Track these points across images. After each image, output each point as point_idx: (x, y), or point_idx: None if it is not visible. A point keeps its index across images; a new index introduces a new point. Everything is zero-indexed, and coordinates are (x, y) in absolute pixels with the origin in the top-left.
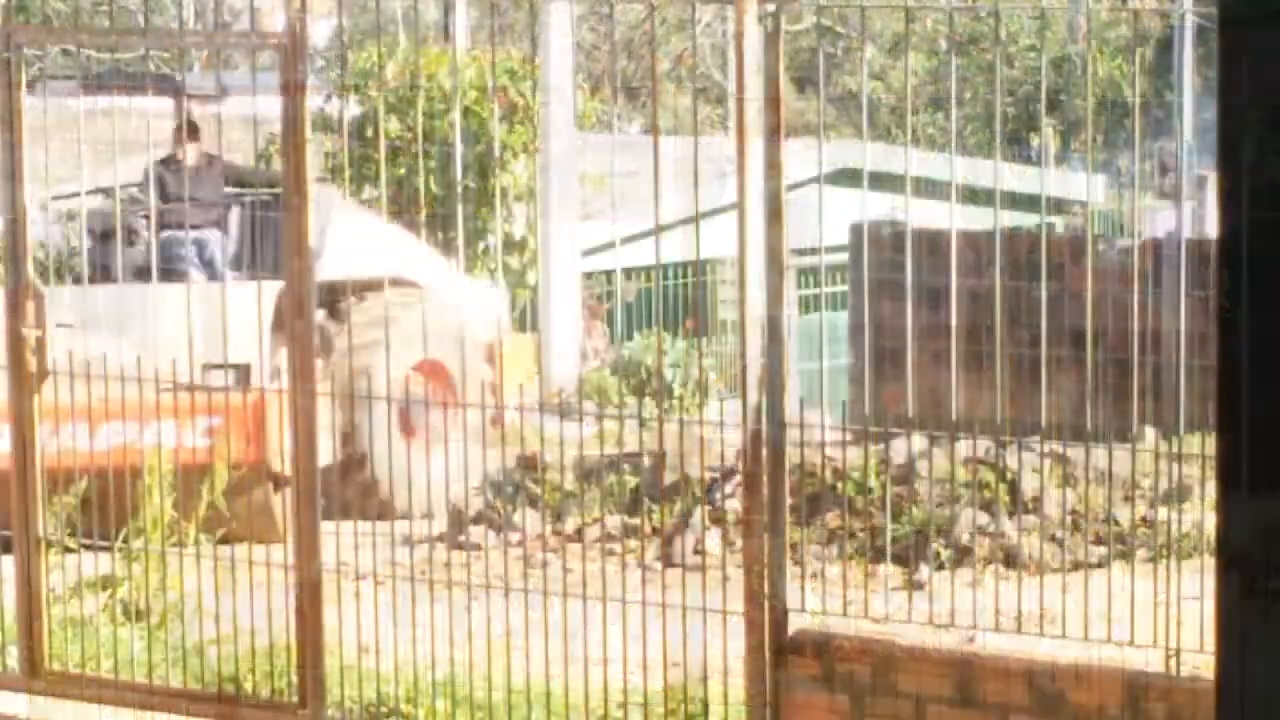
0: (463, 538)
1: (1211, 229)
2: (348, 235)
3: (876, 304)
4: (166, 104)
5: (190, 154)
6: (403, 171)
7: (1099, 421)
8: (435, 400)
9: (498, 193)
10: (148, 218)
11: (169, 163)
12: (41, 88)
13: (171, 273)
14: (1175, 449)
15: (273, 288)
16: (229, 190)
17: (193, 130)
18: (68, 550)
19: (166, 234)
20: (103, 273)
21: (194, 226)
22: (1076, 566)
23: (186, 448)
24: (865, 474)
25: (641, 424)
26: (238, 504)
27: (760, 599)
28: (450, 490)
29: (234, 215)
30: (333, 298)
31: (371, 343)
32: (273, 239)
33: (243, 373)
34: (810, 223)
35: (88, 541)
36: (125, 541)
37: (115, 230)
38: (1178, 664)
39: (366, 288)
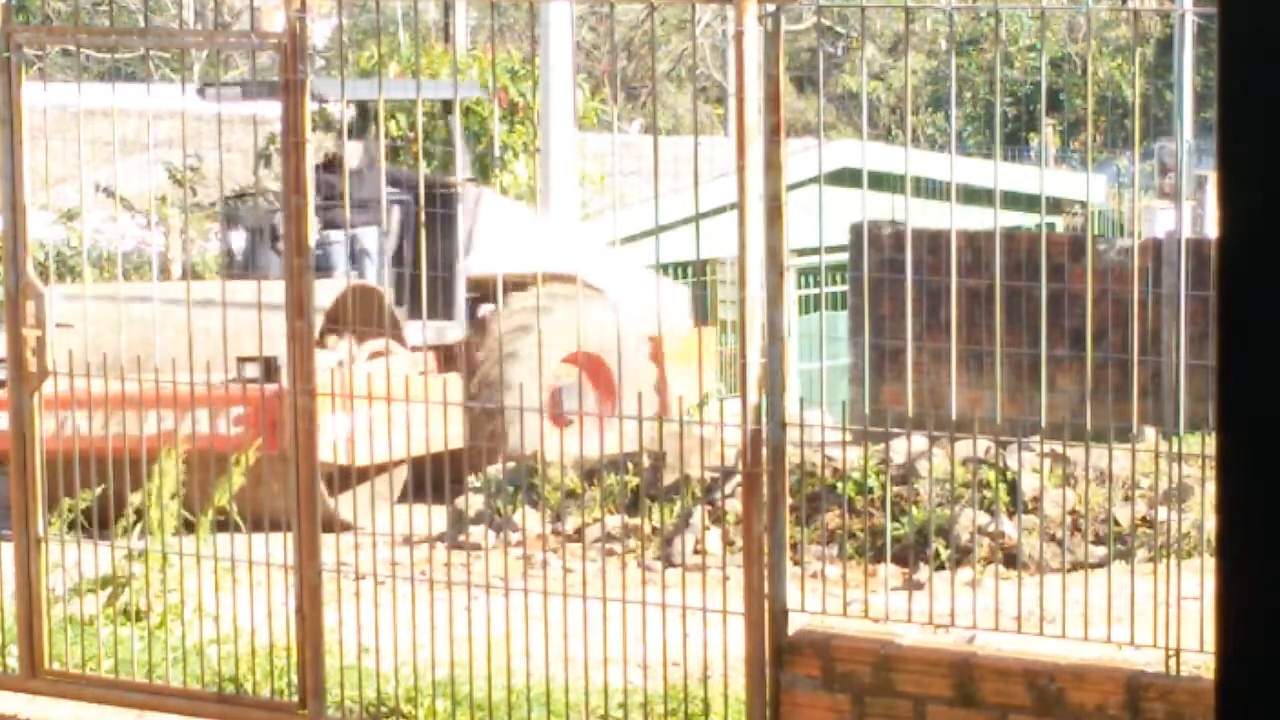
0: (463, 538)
1: (1211, 229)
2: (499, 231)
3: (876, 304)
4: (167, 104)
5: (352, 155)
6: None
7: (1099, 421)
8: (587, 391)
9: (498, 192)
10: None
11: (331, 163)
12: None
13: (322, 270)
14: (1175, 449)
15: (335, 284)
16: (389, 190)
17: (355, 133)
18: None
19: (323, 232)
20: (254, 269)
21: (351, 225)
22: (1076, 566)
23: (218, 436)
24: (865, 474)
25: (641, 424)
26: (280, 489)
27: (760, 599)
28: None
29: (393, 214)
30: (483, 290)
31: (520, 334)
32: (429, 236)
33: (271, 365)
34: (810, 223)
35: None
36: (140, 524)
37: (266, 229)
38: (1178, 664)
39: (522, 282)
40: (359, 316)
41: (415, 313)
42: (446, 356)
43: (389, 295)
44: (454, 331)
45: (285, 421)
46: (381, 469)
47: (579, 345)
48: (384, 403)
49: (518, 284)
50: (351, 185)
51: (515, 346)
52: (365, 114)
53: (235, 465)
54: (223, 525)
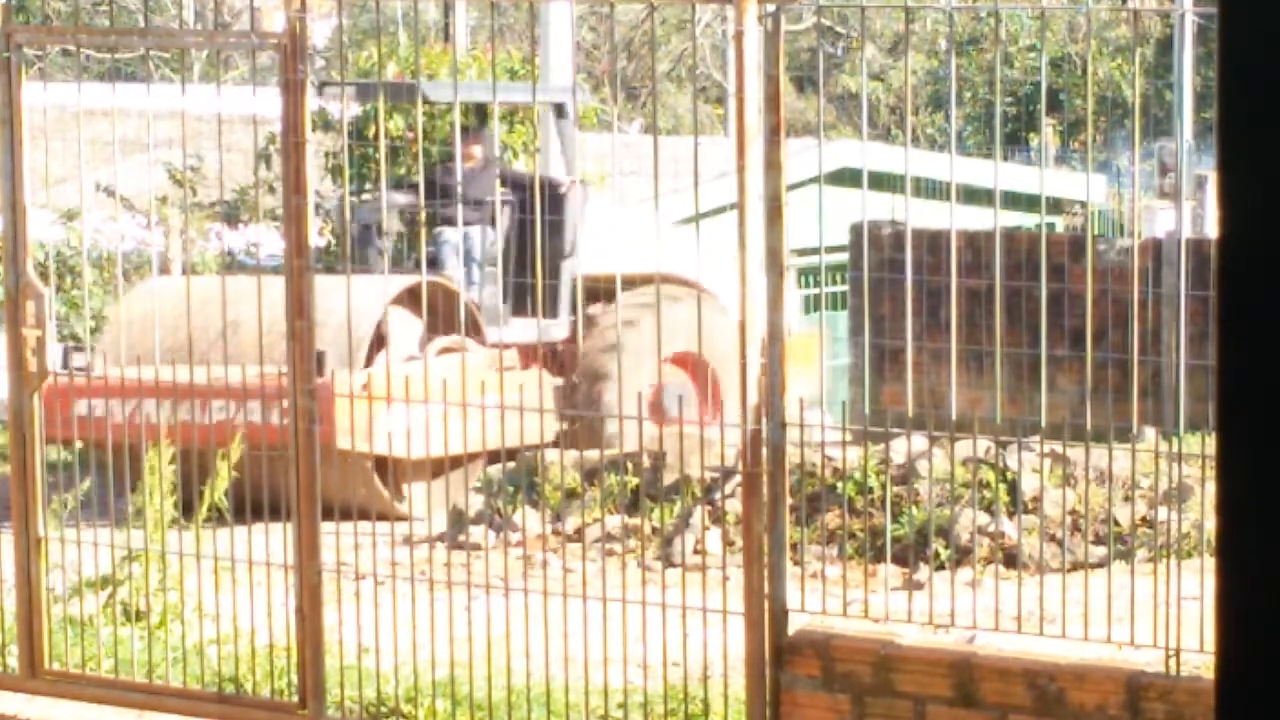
0: (463, 538)
1: (1211, 229)
2: (606, 231)
3: (876, 304)
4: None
5: (473, 156)
6: (403, 171)
7: (1099, 421)
8: (689, 391)
9: (498, 192)
10: (415, 214)
11: (449, 163)
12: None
13: (432, 268)
14: (1175, 449)
15: (399, 282)
16: (501, 190)
17: (475, 134)
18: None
19: (436, 230)
20: (360, 265)
21: (465, 223)
22: (1076, 566)
23: (269, 426)
24: (865, 474)
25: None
26: (338, 477)
27: (760, 599)
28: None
29: (503, 214)
30: (589, 290)
31: (625, 332)
32: (534, 236)
33: (320, 358)
34: (810, 223)
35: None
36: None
37: (378, 225)
38: (1178, 664)
39: (629, 282)
40: (433, 313)
41: (520, 310)
42: (552, 354)
43: (472, 292)
44: (558, 330)
45: (329, 415)
46: (457, 463)
47: (685, 345)
48: (446, 398)
49: (625, 284)
50: (469, 185)
51: (618, 345)
52: (483, 116)
53: (222, 460)
54: (241, 517)
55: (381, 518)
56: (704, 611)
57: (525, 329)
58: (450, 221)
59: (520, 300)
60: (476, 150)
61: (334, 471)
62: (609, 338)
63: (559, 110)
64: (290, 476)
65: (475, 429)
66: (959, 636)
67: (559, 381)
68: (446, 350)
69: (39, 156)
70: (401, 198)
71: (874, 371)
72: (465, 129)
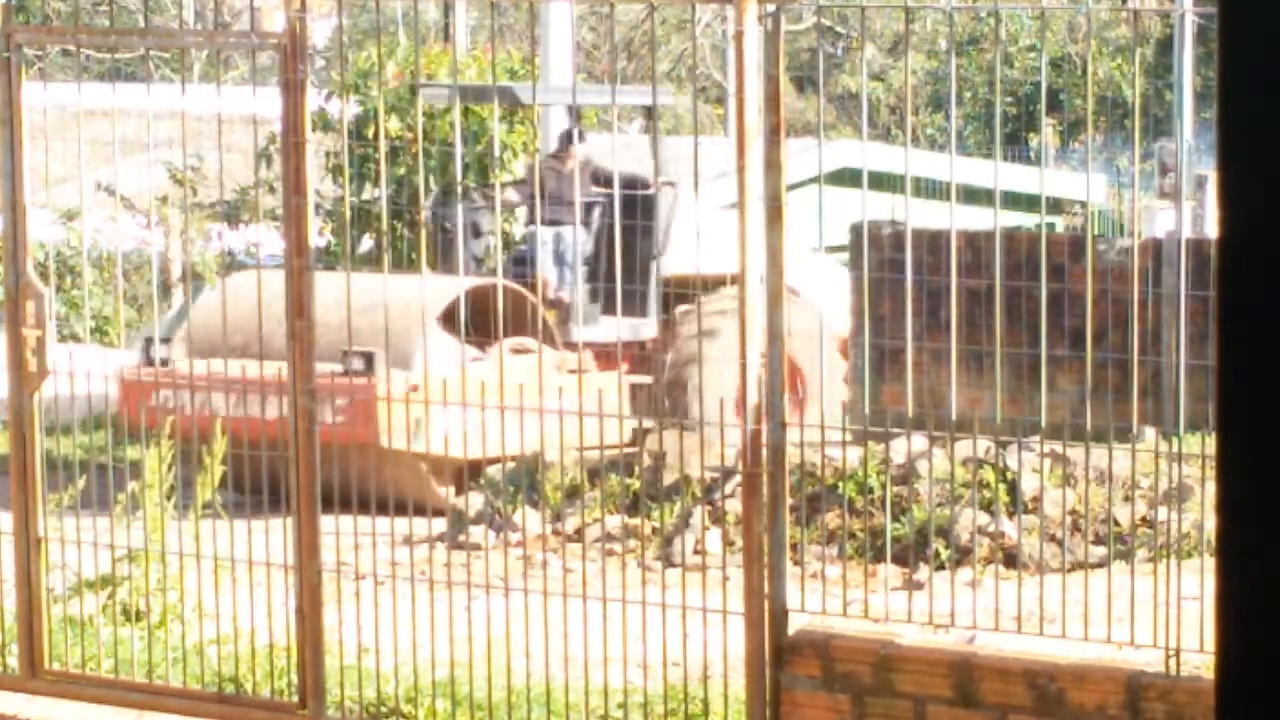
0: (463, 538)
1: (1211, 229)
2: (694, 232)
3: (876, 304)
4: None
5: (570, 158)
6: (403, 171)
7: (1099, 421)
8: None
9: (498, 192)
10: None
11: (549, 165)
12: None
13: (520, 265)
14: (1175, 449)
15: (450, 283)
16: (595, 190)
17: (575, 137)
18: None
19: (529, 229)
20: (443, 264)
21: (558, 223)
22: (1076, 566)
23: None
24: (865, 474)
25: (642, 423)
26: (394, 471)
27: (760, 599)
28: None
29: (595, 215)
30: (678, 290)
31: (711, 331)
32: (626, 236)
33: (368, 359)
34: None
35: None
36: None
37: (468, 225)
38: (1178, 664)
39: (719, 282)
40: (501, 314)
41: (610, 309)
42: (639, 354)
43: (562, 292)
44: (646, 329)
45: (379, 413)
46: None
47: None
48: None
49: (715, 284)
50: (563, 186)
51: (705, 345)
52: (579, 117)
53: (210, 456)
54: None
55: (438, 514)
56: (704, 611)
57: (614, 328)
58: (543, 222)
59: (611, 300)
60: (573, 152)
61: (388, 469)
62: (692, 346)
63: (648, 113)
64: (291, 473)
65: (542, 430)
66: (959, 636)
67: (645, 380)
68: (516, 351)
69: (39, 156)
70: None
71: (874, 371)
72: (568, 133)
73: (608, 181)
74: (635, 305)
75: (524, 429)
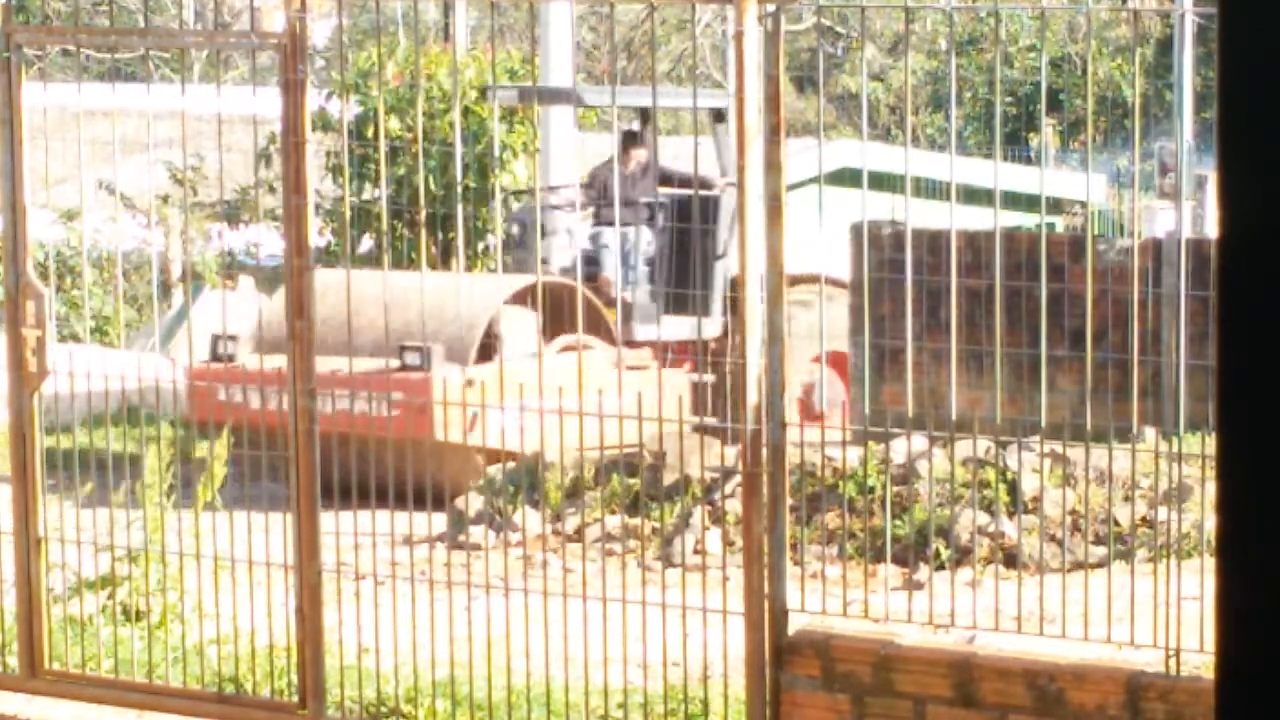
0: (463, 538)
1: (1211, 229)
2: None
3: (876, 304)
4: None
5: (633, 159)
6: (403, 171)
7: (1099, 421)
8: (838, 388)
9: (498, 193)
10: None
11: (612, 166)
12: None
13: (591, 266)
14: (1175, 449)
15: (511, 281)
16: (662, 192)
17: (637, 137)
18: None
19: (595, 230)
20: (518, 265)
21: (623, 224)
22: (1076, 566)
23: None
24: (865, 474)
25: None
26: (448, 465)
27: (760, 599)
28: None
29: (660, 216)
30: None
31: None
32: (690, 237)
33: (426, 354)
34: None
35: None
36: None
37: (536, 225)
38: (1178, 664)
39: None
40: (557, 312)
41: (676, 309)
42: (702, 352)
43: (627, 292)
44: (710, 328)
45: (427, 409)
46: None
47: (837, 345)
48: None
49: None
50: (629, 187)
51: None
52: (645, 119)
53: (215, 458)
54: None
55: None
56: (704, 611)
57: (678, 328)
58: (609, 223)
59: (674, 299)
60: (638, 154)
61: (441, 462)
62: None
63: (716, 115)
64: (287, 468)
65: (593, 426)
66: (959, 636)
67: (702, 378)
68: (568, 348)
69: (39, 156)
70: (556, 198)
71: (874, 371)
72: (630, 134)
73: (675, 182)
74: (699, 305)
75: (583, 425)
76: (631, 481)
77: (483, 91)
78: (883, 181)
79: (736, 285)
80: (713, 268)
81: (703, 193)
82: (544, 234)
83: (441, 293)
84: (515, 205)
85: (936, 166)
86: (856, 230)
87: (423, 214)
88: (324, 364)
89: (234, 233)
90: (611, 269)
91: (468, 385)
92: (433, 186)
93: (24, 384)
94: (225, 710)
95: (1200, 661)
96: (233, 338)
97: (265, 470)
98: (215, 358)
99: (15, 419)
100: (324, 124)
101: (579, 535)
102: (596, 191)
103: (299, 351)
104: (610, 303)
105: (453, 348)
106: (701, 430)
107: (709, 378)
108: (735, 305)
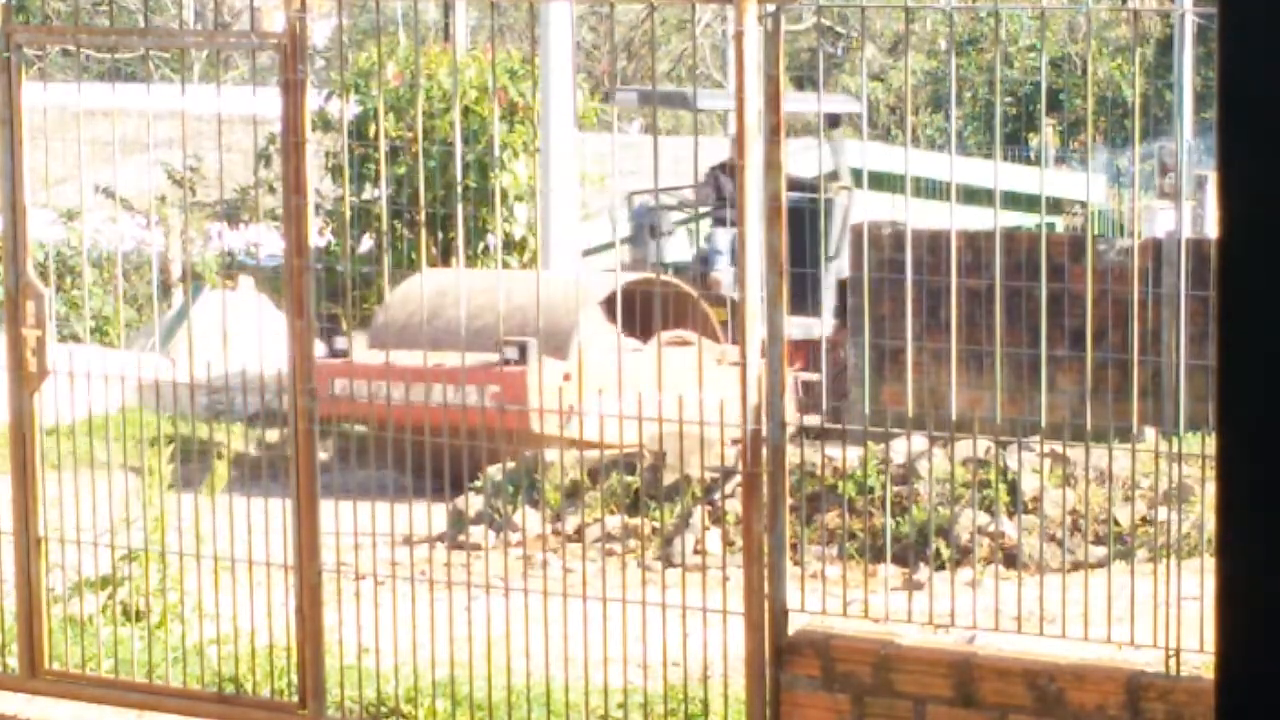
0: (463, 538)
1: (1211, 229)
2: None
3: (876, 304)
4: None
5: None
6: (403, 171)
7: (1099, 421)
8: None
9: (498, 193)
10: (690, 215)
11: (726, 166)
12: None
13: (705, 264)
14: (1175, 449)
15: (602, 279)
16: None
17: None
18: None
19: (711, 230)
20: (636, 264)
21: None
22: (1076, 566)
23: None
24: (865, 474)
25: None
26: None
27: (760, 599)
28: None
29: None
30: (844, 292)
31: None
32: (801, 238)
33: (521, 349)
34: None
35: None
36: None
37: (646, 225)
38: (1178, 664)
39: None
40: (663, 311)
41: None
42: (812, 352)
43: (725, 289)
44: (819, 328)
45: (523, 400)
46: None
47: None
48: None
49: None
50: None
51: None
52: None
53: (219, 459)
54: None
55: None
56: (704, 611)
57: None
58: (723, 223)
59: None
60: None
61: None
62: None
63: (833, 121)
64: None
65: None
66: (959, 636)
67: (815, 377)
68: (673, 344)
69: (39, 156)
70: (672, 198)
71: (874, 371)
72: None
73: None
74: (809, 305)
75: (682, 413)
76: (631, 480)
77: (605, 96)
78: (883, 181)
79: (843, 288)
80: (825, 268)
81: (816, 195)
82: (654, 234)
83: (547, 287)
84: (635, 202)
85: (936, 166)
86: (857, 230)
87: (423, 214)
88: (433, 358)
89: (234, 233)
90: (722, 268)
91: (565, 380)
92: (433, 186)
93: (24, 384)
94: (225, 710)
95: (1200, 661)
96: (343, 333)
97: (391, 461)
98: (332, 354)
99: (15, 419)
100: (324, 124)
101: (579, 535)
102: (712, 191)
103: (299, 351)
104: (720, 302)
105: (553, 341)
106: (801, 430)
107: (814, 376)
108: (843, 307)
